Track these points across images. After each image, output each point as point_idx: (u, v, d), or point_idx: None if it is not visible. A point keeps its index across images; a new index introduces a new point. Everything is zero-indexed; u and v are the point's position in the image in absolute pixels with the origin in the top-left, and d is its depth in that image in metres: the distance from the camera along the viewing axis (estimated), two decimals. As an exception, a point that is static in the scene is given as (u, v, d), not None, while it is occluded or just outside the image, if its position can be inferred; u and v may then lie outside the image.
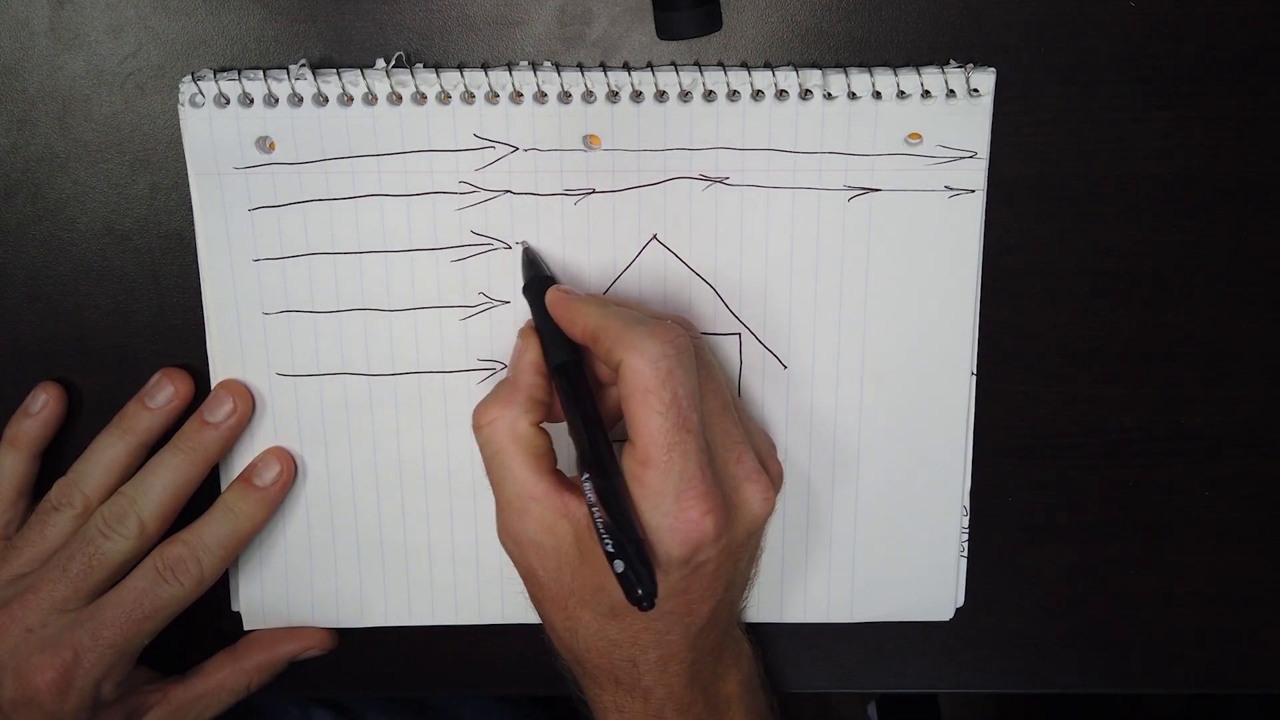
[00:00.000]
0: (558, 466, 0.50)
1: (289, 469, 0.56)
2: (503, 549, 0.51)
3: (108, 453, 0.54)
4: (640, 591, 0.44)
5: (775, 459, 0.52)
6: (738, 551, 0.49)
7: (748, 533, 0.49)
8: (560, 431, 0.51)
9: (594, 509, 0.46)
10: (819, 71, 0.52)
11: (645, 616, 0.47)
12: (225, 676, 0.57)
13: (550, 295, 0.51)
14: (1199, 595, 0.60)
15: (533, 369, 0.50)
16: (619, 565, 0.44)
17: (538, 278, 0.52)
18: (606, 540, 0.45)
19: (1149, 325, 0.57)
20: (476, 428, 0.50)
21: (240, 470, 0.56)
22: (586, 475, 0.46)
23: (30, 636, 0.51)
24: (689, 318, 0.55)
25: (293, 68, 0.51)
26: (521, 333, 0.52)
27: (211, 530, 0.54)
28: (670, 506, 0.46)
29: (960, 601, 0.59)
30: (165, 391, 0.54)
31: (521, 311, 0.54)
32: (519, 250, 0.54)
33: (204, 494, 0.55)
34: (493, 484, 0.50)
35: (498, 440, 0.49)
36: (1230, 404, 0.58)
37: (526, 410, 0.49)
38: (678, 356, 0.46)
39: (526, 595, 0.51)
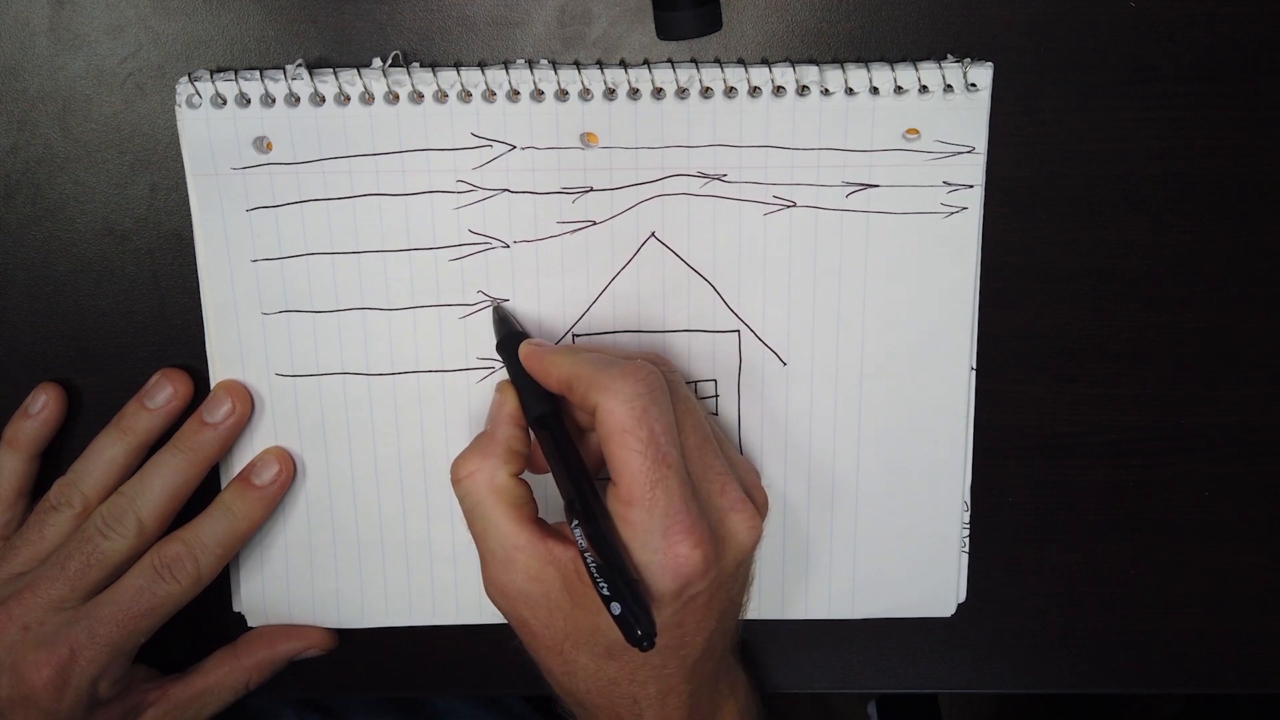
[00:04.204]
0: (539, 516, 0.50)
1: (288, 469, 0.56)
2: (491, 603, 0.51)
3: (107, 453, 0.54)
4: (640, 632, 0.44)
5: (760, 488, 0.52)
6: (728, 582, 0.49)
7: (736, 562, 0.49)
8: (539, 482, 0.51)
9: (586, 554, 0.46)
10: (816, 68, 0.52)
11: (642, 654, 0.47)
12: (225, 674, 0.57)
13: (523, 349, 0.51)
14: (1199, 595, 0.60)
15: (510, 421, 0.51)
16: (616, 608, 0.44)
17: (510, 334, 0.53)
18: (601, 584, 0.45)
19: (1149, 325, 0.57)
20: (455, 481, 0.50)
21: (240, 470, 0.56)
22: (575, 521, 0.46)
23: (27, 634, 0.51)
24: (691, 314, 0.55)
25: (289, 68, 0.51)
26: (499, 387, 0.52)
27: (209, 529, 0.54)
28: (658, 543, 0.46)
29: (962, 597, 0.59)
30: (164, 392, 0.55)
31: (522, 313, 0.54)
32: (489, 312, 0.54)
33: (204, 493, 0.55)
34: (475, 537, 0.50)
35: (477, 492, 0.49)
36: (1230, 404, 0.58)
37: (505, 461, 0.49)
38: (651, 394, 0.46)
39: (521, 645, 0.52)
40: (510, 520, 0.49)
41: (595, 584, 0.45)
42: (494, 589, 0.50)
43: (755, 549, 0.50)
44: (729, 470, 0.49)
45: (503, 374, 0.54)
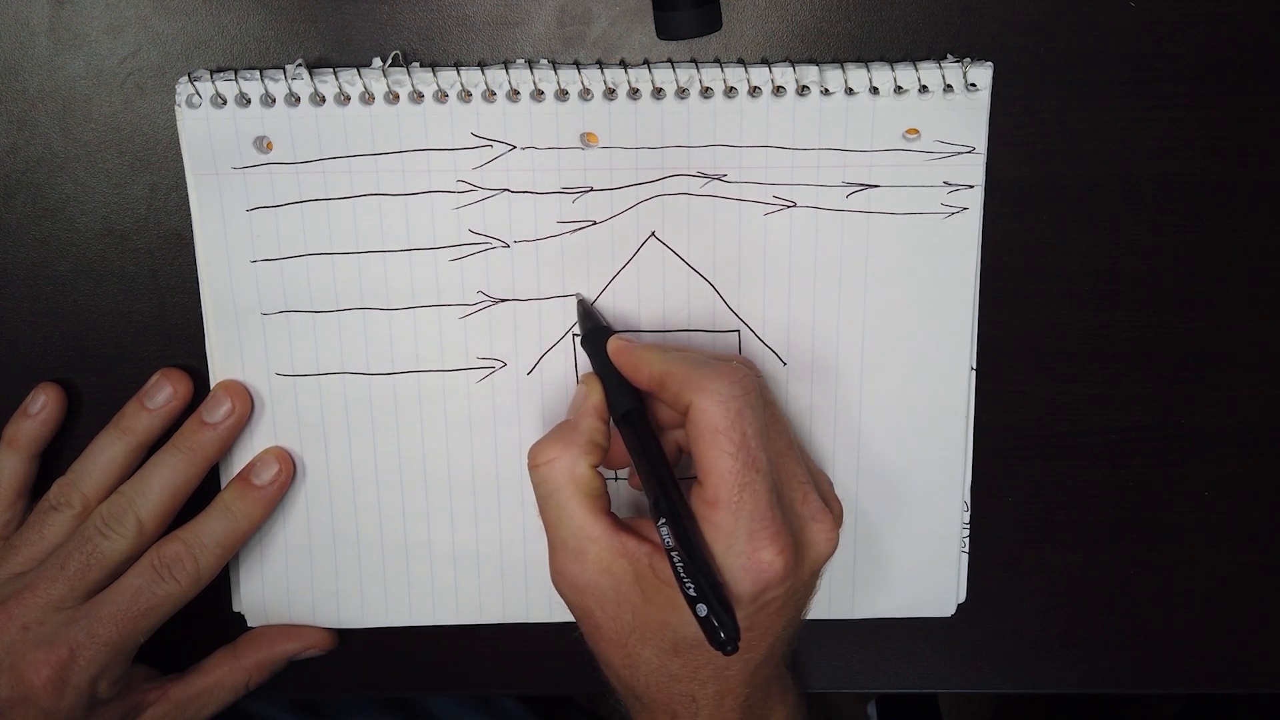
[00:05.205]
0: (611, 510, 0.50)
1: (287, 469, 0.56)
2: (556, 591, 0.51)
3: (106, 453, 0.54)
4: (724, 635, 0.44)
5: (836, 498, 0.52)
6: (801, 590, 0.50)
7: (812, 571, 0.50)
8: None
9: (674, 553, 0.45)
10: (816, 68, 0.52)
11: (707, 652, 0.47)
12: (224, 674, 0.57)
13: (613, 344, 0.51)
14: (1199, 595, 0.60)
15: (594, 413, 0.51)
16: (702, 609, 0.44)
17: (596, 328, 0.53)
18: (689, 584, 0.45)
19: (1149, 325, 0.57)
20: (533, 466, 0.50)
21: (239, 470, 0.56)
22: (663, 520, 0.46)
23: (26, 634, 0.51)
24: (691, 314, 0.55)
25: (289, 67, 0.51)
26: (584, 379, 0.52)
27: (209, 529, 0.54)
28: (743, 546, 0.46)
29: (962, 597, 0.59)
30: (164, 392, 0.54)
31: (523, 312, 0.54)
32: (573, 303, 0.54)
33: (204, 493, 0.55)
34: (547, 525, 0.50)
35: (555, 480, 0.49)
36: (1230, 404, 0.58)
37: (585, 453, 0.49)
38: (746, 397, 0.47)
39: (582, 635, 0.51)
40: (586, 511, 0.49)
41: (681, 583, 0.45)
42: (562, 579, 0.50)
43: (830, 559, 0.50)
44: (810, 479, 0.50)
45: (507, 373, 0.55)
